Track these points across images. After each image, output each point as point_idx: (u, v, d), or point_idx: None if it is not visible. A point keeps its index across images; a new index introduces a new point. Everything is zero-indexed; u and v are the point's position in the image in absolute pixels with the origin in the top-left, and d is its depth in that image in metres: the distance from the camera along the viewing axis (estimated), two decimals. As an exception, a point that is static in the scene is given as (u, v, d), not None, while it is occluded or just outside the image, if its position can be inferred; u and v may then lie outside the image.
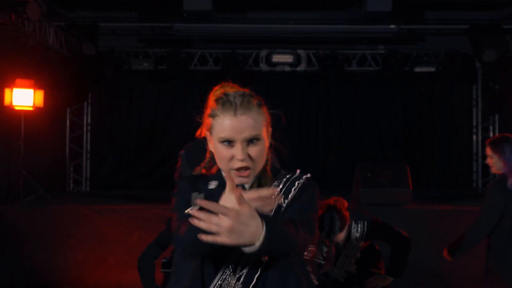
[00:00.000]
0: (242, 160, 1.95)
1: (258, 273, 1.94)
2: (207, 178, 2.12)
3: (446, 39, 10.55)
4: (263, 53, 10.31)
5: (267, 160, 2.08)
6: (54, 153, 9.89)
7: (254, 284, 1.93)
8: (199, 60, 10.63)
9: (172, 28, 9.90)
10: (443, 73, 10.40)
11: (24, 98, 7.32)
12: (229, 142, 1.97)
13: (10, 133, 7.68)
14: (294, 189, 2.03)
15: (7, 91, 7.33)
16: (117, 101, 11.06)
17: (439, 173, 10.86)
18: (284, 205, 2.00)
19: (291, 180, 2.06)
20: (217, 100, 2.02)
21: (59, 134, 10.24)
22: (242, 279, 1.95)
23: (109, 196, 9.23)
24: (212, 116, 2.02)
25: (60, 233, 6.60)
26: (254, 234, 1.65)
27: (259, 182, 2.05)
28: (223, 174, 2.05)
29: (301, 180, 2.06)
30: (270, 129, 2.09)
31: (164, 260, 4.27)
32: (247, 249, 1.68)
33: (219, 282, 1.96)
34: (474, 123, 10.94)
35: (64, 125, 10.48)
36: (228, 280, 1.95)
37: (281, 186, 2.05)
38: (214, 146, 2.03)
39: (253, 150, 1.97)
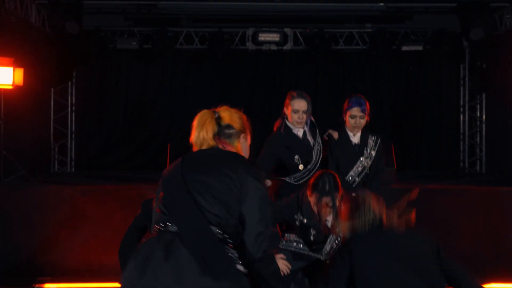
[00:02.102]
0: None
1: None
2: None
3: (433, 18, 10.47)
4: (250, 31, 10.20)
5: None
6: (38, 133, 9.76)
7: None
8: (185, 39, 10.51)
9: (157, 6, 9.78)
10: (430, 51, 10.36)
11: (3, 76, 7.19)
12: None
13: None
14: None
15: (-14, 69, 7.21)
16: (103, 81, 10.94)
17: (427, 152, 10.84)
18: None
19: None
20: None
21: (43, 114, 10.09)
22: None
23: (94, 177, 9.16)
24: None
25: (42, 213, 6.52)
26: None
27: None
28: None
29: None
30: None
31: None
32: None
33: None
34: (462, 103, 10.91)
35: (48, 105, 10.34)
36: None
37: None
38: None
39: None
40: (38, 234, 6.37)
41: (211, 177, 2.42)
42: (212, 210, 2.37)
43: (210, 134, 2.54)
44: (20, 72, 7.49)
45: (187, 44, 10.54)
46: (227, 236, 2.36)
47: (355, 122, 4.73)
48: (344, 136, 4.79)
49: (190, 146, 6.88)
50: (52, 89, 10.41)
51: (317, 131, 4.79)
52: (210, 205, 2.37)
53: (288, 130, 4.67)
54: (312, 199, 4.09)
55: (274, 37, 10.17)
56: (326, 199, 4.04)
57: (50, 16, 9.36)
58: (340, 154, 4.71)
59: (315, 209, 4.08)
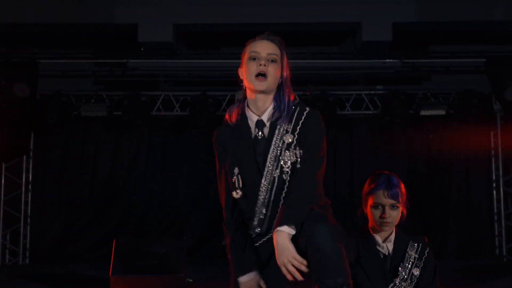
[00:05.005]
0: None
1: None
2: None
3: (455, 78, 8.94)
4: (239, 94, 8.54)
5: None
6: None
7: None
8: (163, 104, 8.89)
9: (127, 65, 8.26)
10: (455, 116, 8.71)
11: None
12: None
13: None
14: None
15: None
16: (65, 155, 9.23)
17: (454, 237, 8.98)
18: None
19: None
20: None
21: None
22: None
23: (45, 276, 7.35)
24: None
25: None
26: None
27: None
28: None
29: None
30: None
31: None
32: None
33: None
34: (494, 177, 9.12)
35: (-3, 184, 8.66)
36: None
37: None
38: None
39: None
40: None
41: None
42: None
43: None
44: None
45: (165, 110, 8.92)
46: None
47: (381, 216, 2.93)
48: (367, 242, 2.97)
49: (137, 245, 4.82)
50: (4, 165, 8.74)
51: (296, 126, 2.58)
52: None
53: (243, 118, 2.64)
54: None
55: (269, 101, 8.51)
56: None
57: (-6, 78, 7.80)
58: (360, 272, 2.88)
59: None
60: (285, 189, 2.48)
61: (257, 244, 2.59)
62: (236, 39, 8.48)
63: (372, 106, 8.85)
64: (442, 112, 8.64)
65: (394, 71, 8.42)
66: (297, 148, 2.50)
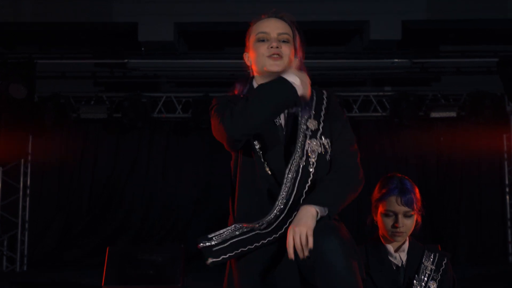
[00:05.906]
0: None
1: None
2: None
3: (466, 78, 8.65)
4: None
5: None
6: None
7: None
8: (164, 106, 8.64)
9: (126, 65, 8.00)
10: (466, 118, 8.41)
11: None
12: None
13: None
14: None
15: None
16: (64, 158, 8.98)
17: (465, 243, 8.69)
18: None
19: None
20: None
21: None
22: None
23: (41, 283, 7.13)
24: None
25: None
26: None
27: None
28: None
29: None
30: None
31: None
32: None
33: None
34: (507, 181, 8.81)
35: (-6, 188, 8.42)
36: None
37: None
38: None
39: None
40: None
41: None
42: None
43: None
44: None
45: (167, 111, 8.67)
46: None
47: (393, 225, 2.65)
48: (378, 252, 2.69)
49: (132, 253, 4.42)
50: (1, 168, 8.50)
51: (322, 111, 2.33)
52: None
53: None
54: None
55: (274, 102, 8.24)
56: None
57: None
58: (370, 286, 2.59)
59: None
60: (309, 183, 2.19)
61: (264, 241, 2.16)
62: (239, 38, 8.25)
63: (381, 108, 8.57)
64: (453, 114, 8.38)
65: (403, 71, 8.11)
66: (323, 137, 2.25)
